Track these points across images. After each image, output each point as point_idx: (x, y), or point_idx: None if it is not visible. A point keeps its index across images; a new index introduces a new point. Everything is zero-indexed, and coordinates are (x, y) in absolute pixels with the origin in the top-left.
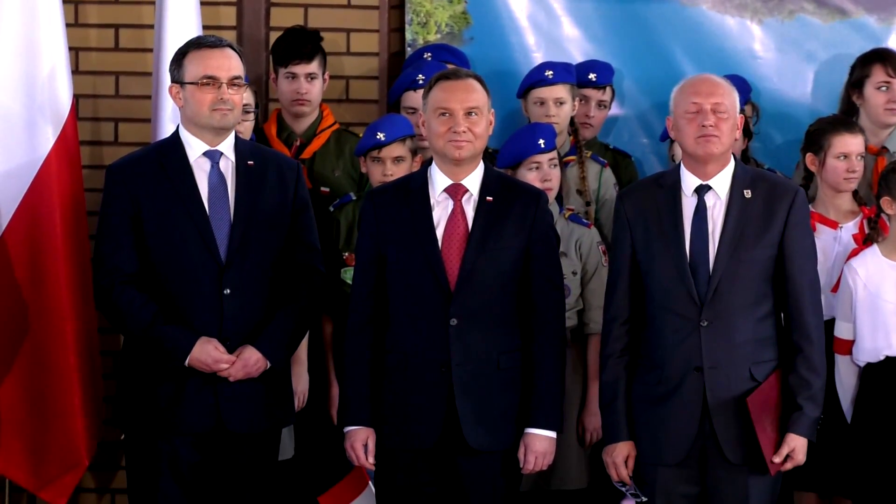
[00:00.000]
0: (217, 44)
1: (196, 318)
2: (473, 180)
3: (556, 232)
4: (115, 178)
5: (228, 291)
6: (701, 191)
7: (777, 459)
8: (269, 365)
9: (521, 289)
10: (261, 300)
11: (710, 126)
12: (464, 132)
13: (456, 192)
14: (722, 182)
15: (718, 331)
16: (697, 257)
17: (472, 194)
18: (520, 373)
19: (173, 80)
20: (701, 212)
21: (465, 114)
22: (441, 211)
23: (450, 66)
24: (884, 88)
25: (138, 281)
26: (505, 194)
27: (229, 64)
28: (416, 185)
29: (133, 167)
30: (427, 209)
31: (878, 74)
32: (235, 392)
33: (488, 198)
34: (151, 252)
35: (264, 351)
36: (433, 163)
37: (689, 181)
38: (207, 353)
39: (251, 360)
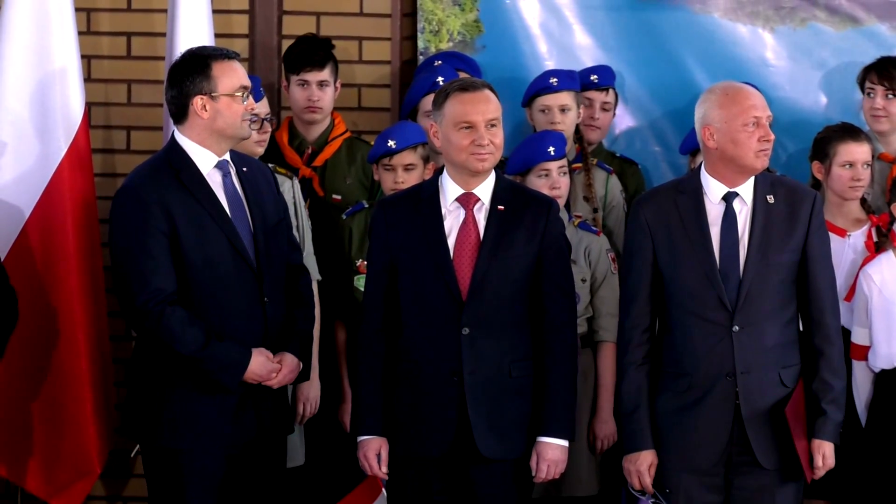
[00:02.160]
0: (237, 57)
1: (239, 330)
2: (485, 189)
3: (568, 240)
4: (141, 196)
5: (268, 299)
6: (729, 198)
7: (818, 464)
8: (301, 368)
9: (533, 297)
10: (286, 305)
11: (770, 141)
12: (487, 145)
13: (468, 201)
14: (747, 188)
15: (750, 336)
16: (727, 263)
17: (483, 203)
18: (532, 381)
19: (200, 93)
20: (730, 218)
21: (486, 126)
22: (452, 220)
23: (462, 75)
24: (871, 95)
25: (179, 300)
26: (516, 203)
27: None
28: (427, 194)
29: (157, 183)
30: (438, 218)
31: (867, 82)
32: (268, 401)
33: (500, 206)
34: (189, 268)
35: (298, 355)
36: (444, 171)
37: (716, 188)
38: (262, 364)
39: (293, 366)
